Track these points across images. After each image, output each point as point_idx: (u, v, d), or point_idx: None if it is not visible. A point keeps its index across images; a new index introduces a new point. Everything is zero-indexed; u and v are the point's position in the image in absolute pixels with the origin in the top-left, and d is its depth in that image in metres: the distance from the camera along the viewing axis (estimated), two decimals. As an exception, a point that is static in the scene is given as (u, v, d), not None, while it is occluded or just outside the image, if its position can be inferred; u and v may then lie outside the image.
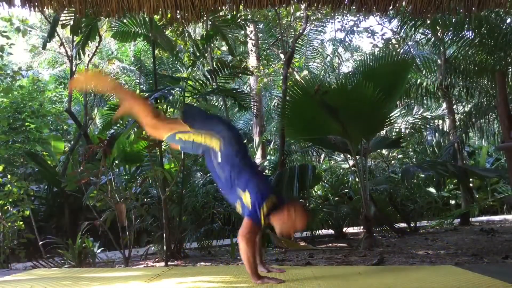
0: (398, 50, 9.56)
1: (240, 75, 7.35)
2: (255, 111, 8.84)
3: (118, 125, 6.69)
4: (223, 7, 3.90)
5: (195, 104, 6.20)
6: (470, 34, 7.57)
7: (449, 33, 7.76)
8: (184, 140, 2.80)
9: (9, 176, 5.59)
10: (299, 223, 2.67)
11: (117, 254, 5.35)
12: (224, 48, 10.66)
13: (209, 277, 2.99)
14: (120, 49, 14.52)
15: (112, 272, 3.05)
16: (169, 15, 4.40)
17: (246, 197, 2.61)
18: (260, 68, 10.29)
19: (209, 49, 8.38)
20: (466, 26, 7.34)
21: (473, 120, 7.92)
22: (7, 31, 7.76)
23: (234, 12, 5.65)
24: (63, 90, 12.06)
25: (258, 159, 9.85)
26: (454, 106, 9.49)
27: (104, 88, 3.32)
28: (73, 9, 3.83)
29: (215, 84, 6.23)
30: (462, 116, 8.83)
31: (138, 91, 8.57)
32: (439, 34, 8.11)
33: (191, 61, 7.01)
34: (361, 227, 6.63)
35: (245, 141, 7.23)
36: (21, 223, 5.28)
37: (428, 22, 7.42)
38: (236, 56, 8.05)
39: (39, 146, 7.22)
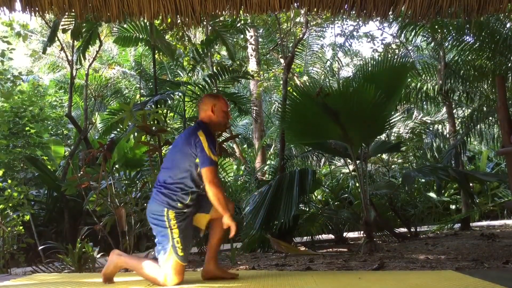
0: (398, 54, 9.58)
1: (240, 79, 7.36)
2: (254, 115, 8.86)
3: (119, 129, 6.69)
4: (223, 12, 3.91)
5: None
6: (470, 39, 7.59)
7: (449, 38, 7.78)
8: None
9: (9, 181, 5.60)
10: (218, 105, 3.04)
11: (117, 259, 5.32)
12: (224, 52, 10.67)
13: (209, 282, 2.99)
14: (121, 53, 14.56)
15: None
16: (169, 20, 4.41)
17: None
18: (260, 72, 10.31)
19: (209, 53, 8.41)
20: (466, 30, 7.36)
21: (474, 122, 7.93)
22: (8, 36, 7.78)
23: (234, 17, 5.67)
24: (63, 94, 12.09)
25: (258, 164, 9.85)
26: (454, 111, 9.50)
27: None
28: (74, 13, 3.84)
29: (215, 88, 6.24)
30: (462, 120, 8.84)
31: (138, 96, 8.59)
32: (438, 39, 8.13)
33: (191, 66, 7.03)
34: (361, 232, 6.62)
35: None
36: (21, 227, 5.27)
37: (428, 26, 7.44)
38: (236, 60, 8.07)
39: (39, 150, 7.22)
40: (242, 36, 9.14)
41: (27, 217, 5.53)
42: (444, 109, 9.77)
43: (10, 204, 5.21)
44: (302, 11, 8.12)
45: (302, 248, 6.30)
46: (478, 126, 8.04)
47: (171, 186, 2.92)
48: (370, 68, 5.96)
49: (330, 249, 6.39)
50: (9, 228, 5.00)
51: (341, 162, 9.48)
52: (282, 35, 9.12)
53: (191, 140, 2.89)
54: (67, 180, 5.95)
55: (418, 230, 7.70)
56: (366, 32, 11.82)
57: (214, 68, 8.25)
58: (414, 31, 7.92)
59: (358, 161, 5.70)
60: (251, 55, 10.52)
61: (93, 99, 10.25)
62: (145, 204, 5.90)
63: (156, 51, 6.45)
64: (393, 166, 9.83)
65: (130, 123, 4.44)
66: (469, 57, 7.90)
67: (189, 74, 8.22)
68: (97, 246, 4.93)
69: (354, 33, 11.95)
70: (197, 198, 3.02)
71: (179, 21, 3.96)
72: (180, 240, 2.87)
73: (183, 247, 2.88)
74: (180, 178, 2.91)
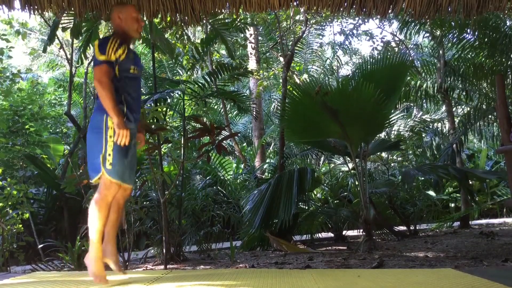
0: (397, 52, 9.57)
1: (240, 77, 7.35)
2: (254, 113, 8.86)
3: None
4: (223, 10, 3.90)
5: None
6: (470, 37, 7.59)
7: (449, 35, 7.78)
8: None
9: (8, 179, 5.59)
10: (125, 12, 2.99)
11: (117, 257, 5.34)
12: (224, 51, 10.65)
13: (209, 280, 2.99)
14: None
15: (111, 276, 3.03)
16: (168, 18, 4.40)
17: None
18: (260, 71, 10.29)
19: (208, 52, 8.39)
20: (466, 28, 7.36)
21: (472, 121, 7.93)
22: (7, 34, 7.77)
23: (234, 16, 5.66)
24: (63, 93, 12.07)
25: (257, 162, 9.85)
26: (454, 109, 9.50)
27: None
28: (73, 12, 3.83)
29: (214, 86, 6.24)
30: (461, 119, 8.84)
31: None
32: (438, 37, 8.12)
33: (191, 64, 7.01)
34: (361, 230, 6.63)
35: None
36: (20, 226, 5.27)
37: (428, 24, 7.44)
38: (235, 59, 8.05)
39: (39, 149, 7.22)
40: (242, 34, 9.13)
41: (27, 216, 5.52)
42: (444, 107, 9.77)
43: (10, 203, 5.20)
44: (302, 9, 8.10)
45: (302, 246, 6.31)
46: (478, 124, 8.04)
47: None
48: (369, 67, 5.97)
49: (330, 247, 6.40)
50: (8, 227, 5.00)
51: (341, 161, 9.48)
52: (281, 33, 9.11)
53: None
54: (67, 179, 5.95)
55: (417, 228, 7.71)
56: (366, 30, 11.76)
57: (214, 66, 8.25)
58: (415, 28, 7.91)
59: (357, 160, 5.70)
60: (251, 54, 10.50)
61: (92, 97, 10.22)
62: (145, 203, 5.94)
63: (156, 50, 6.43)
64: (392, 164, 9.83)
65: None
66: (469, 55, 7.90)
67: (188, 72, 8.20)
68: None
69: (354, 31, 11.93)
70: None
71: (178, 19, 3.96)
72: (113, 154, 2.76)
73: (113, 162, 2.76)
74: None
